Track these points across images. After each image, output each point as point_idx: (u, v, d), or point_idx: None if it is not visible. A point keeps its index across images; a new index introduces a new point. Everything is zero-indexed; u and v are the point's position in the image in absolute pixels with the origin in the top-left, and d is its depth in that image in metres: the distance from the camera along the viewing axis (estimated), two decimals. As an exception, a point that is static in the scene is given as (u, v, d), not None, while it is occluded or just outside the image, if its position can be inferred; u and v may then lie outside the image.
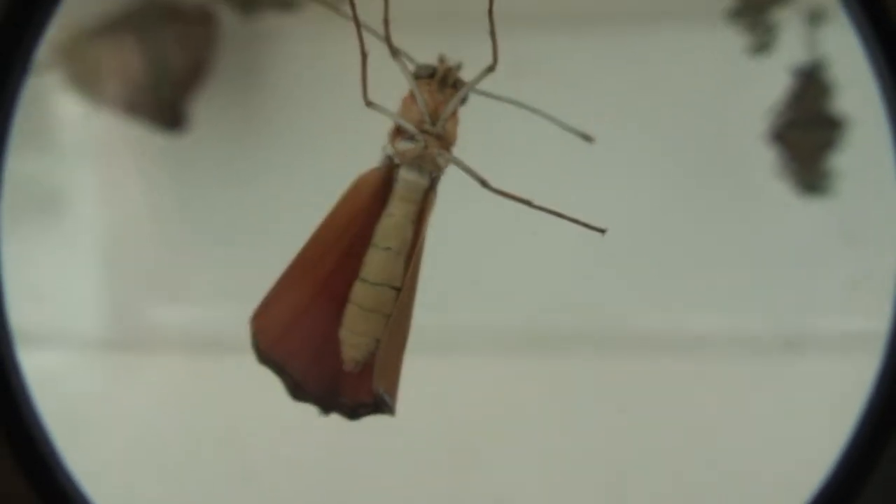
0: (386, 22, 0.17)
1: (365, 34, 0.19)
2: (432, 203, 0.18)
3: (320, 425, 0.30)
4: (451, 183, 0.21)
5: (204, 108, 0.42)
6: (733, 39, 0.39)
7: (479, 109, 0.20)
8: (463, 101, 0.19)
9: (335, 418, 0.28)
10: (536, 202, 0.18)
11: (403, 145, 0.18)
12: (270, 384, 0.23)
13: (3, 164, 0.22)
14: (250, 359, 0.20)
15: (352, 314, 0.18)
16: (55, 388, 0.37)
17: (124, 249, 0.42)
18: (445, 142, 0.18)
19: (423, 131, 0.18)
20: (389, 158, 0.18)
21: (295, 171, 0.42)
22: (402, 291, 0.18)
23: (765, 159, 0.40)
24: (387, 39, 0.17)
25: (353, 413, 0.18)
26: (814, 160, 0.41)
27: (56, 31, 0.41)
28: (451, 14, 0.41)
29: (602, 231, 0.19)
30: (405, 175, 0.18)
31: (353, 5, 0.18)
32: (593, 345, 0.39)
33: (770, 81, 0.40)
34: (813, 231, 0.41)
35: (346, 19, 0.19)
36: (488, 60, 0.19)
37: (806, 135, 0.40)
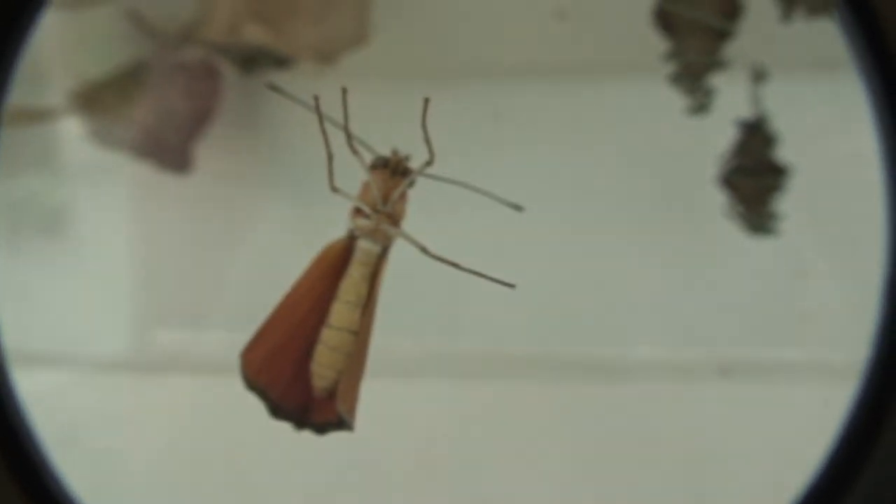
0: (346, 128, 0.23)
1: (331, 128, 0.24)
2: (383, 266, 0.24)
3: (317, 448, 0.35)
4: (419, 219, 0.26)
5: (207, 152, 0.46)
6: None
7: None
8: (410, 184, 0.24)
9: (326, 447, 0.33)
10: (463, 265, 0.23)
11: (361, 222, 0.24)
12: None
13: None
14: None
15: (320, 352, 0.24)
16: (60, 407, 0.41)
17: (130, 274, 0.46)
18: (394, 218, 0.24)
19: (376, 211, 0.23)
20: (350, 231, 0.24)
21: (288, 210, 0.46)
22: (359, 335, 0.24)
23: (718, 202, 0.43)
24: (348, 141, 0.23)
25: (321, 429, 0.24)
26: (759, 203, 0.43)
27: (70, 80, 0.46)
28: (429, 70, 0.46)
29: (512, 286, 0.23)
30: (362, 245, 0.24)
31: (319, 113, 0.23)
32: (550, 370, 0.42)
33: (722, 129, 0.43)
34: (764, 267, 0.45)
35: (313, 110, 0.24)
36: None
37: (750, 180, 0.43)
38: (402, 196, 0.24)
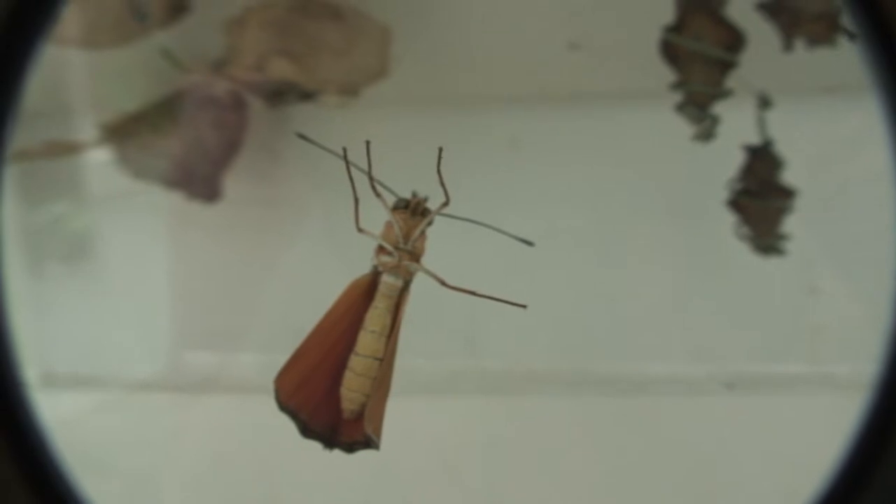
0: (370, 175, 0.25)
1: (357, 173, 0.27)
2: (406, 298, 0.26)
3: (345, 465, 0.37)
4: (441, 244, 0.28)
5: (235, 181, 0.47)
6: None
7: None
8: (429, 223, 0.27)
9: (355, 465, 0.35)
10: (479, 292, 0.26)
11: (384, 259, 0.26)
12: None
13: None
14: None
15: (348, 378, 0.26)
16: (92, 429, 0.43)
17: (157, 298, 0.47)
18: (415, 255, 0.26)
19: (398, 249, 0.26)
20: (375, 267, 0.27)
21: (314, 236, 0.48)
22: (384, 361, 0.26)
23: (728, 223, 0.45)
24: (371, 187, 0.25)
25: (350, 448, 0.27)
26: (766, 224, 0.45)
27: (104, 114, 0.48)
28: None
29: (524, 307, 0.26)
30: (386, 279, 0.26)
31: (347, 163, 0.26)
32: (566, 386, 0.44)
33: (731, 153, 0.45)
34: (774, 284, 0.46)
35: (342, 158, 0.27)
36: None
37: (757, 202, 0.45)
38: (422, 234, 0.26)
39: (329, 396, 0.27)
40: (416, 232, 0.26)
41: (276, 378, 0.26)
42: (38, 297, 0.47)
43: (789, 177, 0.45)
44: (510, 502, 0.43)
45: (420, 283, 0.28)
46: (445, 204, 0.26)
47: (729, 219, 0.45)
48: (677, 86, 0.42)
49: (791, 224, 0.45)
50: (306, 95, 0.47)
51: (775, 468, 0.42)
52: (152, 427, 0.46)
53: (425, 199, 0.26)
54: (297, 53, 0.46)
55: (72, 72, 0.48)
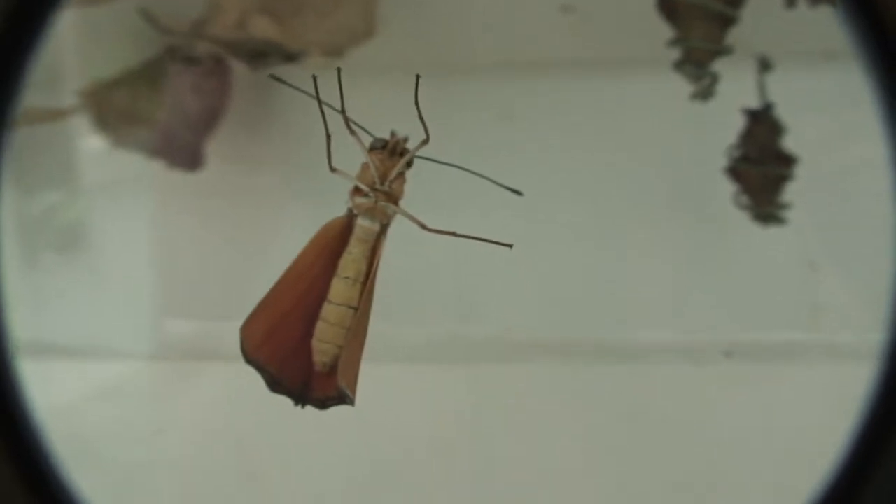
0: (342, 108, 0.24)
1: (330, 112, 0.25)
2: (382, 243, 0.25)
3: (328, 434, 0.36)
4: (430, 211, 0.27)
5: (217, 147, 0.46)
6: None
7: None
8: (409, 165, 0.25)
9: (342, 434, 0.34)
10: (459, 232, 0.24)
11: (360, 200, 0.25)
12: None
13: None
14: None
15: (321, 328, 0.25)
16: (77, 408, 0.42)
17: (145, 276, 0.47)
18: (393, 197, 0.25)
19: (375, 190, 0.24)
20: (350, 210, 0.25)
21: (298, 200, 0.47)
22: (359, 310, 0.24)
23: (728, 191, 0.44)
24: (346, 125, 0.24)
25: (323, 404, 0.25)
26: (766, 192, 0.44)
27: (82, 80, 0.47)
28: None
29: (510, 246, 0.24)
30: (361, 222, 0.25)
31: (317, 94, 0.24)
32: (564, 354, 0.44)
33: (733, 120, 0.44)
34: (779, 258, 0.46)
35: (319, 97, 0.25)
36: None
37: (756, 169, 0.44)
38: (400, 176, 0.25)
39: (299, 348, 0.25)
40: (394, 172, 0.24)
41: (243, 327, 0.24)
42: (32, 286, 0.46)
43: (791, 146, 0.44)
44: (500, 471, 0.42)
45: (399, 245, 0.27)
46: (425, 142, 0.24)
47: (729, 188, 0.44)
48: (675, 42, 0.40)
49: (791, 197, 0.44)
50: (289, 57, 0.45)
51: (773, 435, 0.41)
52: (146, 400, 0.46)
53: (405, 139, 0.25)
54: (279, 12, 0.44)
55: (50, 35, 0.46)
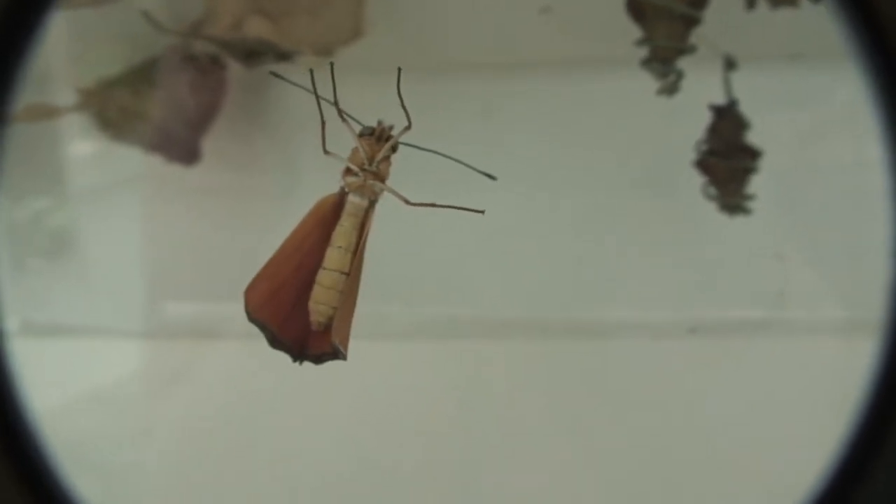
0: (335, 98, 0.27)
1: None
2: (370, 217, 0.28)
3: (319, 409, 0.38)
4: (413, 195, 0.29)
5: (214, 142, 0.49)
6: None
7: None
8: (394, 149, 0.28)
9: (331, 409, 0.36)
10: (439, 203, 0.27)
11: (350, 179, 0.28)
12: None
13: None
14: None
15: (317, 291, 0.28)
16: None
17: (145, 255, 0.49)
18: (380, 176, 0.28)
19: (364, 170, 0.28)
20: (342, 188, 0.28)
21: (292, 195, 0.49)
22: (350, 275, 0.28)
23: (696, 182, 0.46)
24: (338, 113, 0.27)
25: (318, 359, 0.28)
26: (732, 184, 0.46)
27: (82, 78, 0.49)
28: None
29: (482, 212, 0.28)
30: (352, 199, 0.28)
31: (313, 84, 0.27)
32: (536, 332, 0.46)
33: (700, 116, 0.47)
34: (744, 246, 0.48)
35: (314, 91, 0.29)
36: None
37: (723, 162, 0.46)
38: (386, 158, 0.28)
39: (297, 309, 0.28)
40: (380, 154, 0.28)
41: (246, 290, 0.28)
42: (21, 290, 0.48)
43: (757, 141, 0.47)
44: (477, 446, 0.45)
45: (389, 233, 0.30)
46: (408, 128, 0.27)
47: (698, 179, 0.47)
48: (642, 42, 0.43)
49: (757, 186, 0.47)
50: (282, 56, 0.47)
51: (730, 404, 0.44)
52: (139, 402, 0.48)
53: (390, 127, 0.28)
54: (273, 13, 0.47)
55: (49, 35, 0.49)
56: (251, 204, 0.50)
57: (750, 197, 0.47)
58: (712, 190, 0.47)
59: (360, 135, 0.28)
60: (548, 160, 0.48)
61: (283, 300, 0.28)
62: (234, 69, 0.49)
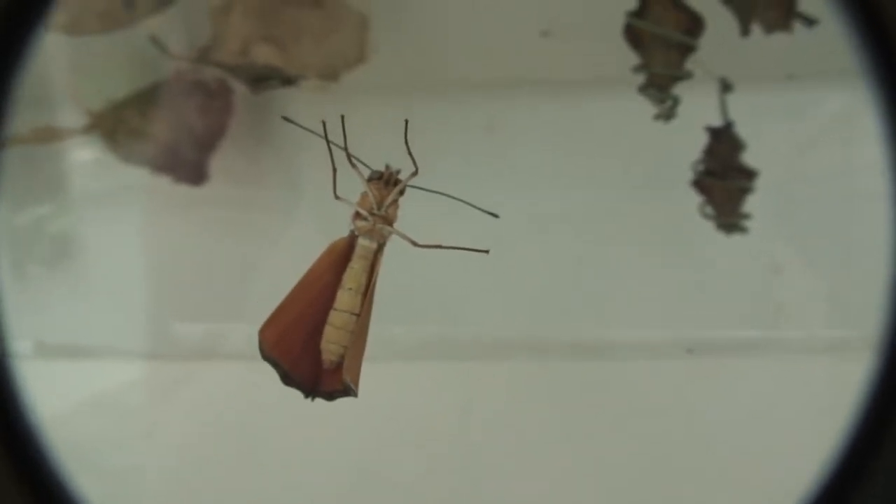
0: (346, 148, 0.28)
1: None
2: (380, 260, 0.29)
3: (321, 430, 0.39)
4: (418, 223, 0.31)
5: (220, 163, 0.50)
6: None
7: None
8: (401, 193, 0.30)
9: (335, 431, 0.37)
10: (445, 245, 0.28)
11: (360, 223, 0.29)
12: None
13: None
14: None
15: (328, 331, 0.29)
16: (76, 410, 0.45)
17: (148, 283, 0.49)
18: (388, 220, 0.29)
19: (373, 214, 0.29)
20: (352, 231, 0.30)
21: (295, 215, 0.50)
22: (361, 316, 0.29)
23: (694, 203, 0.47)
24: (349, 160, 0.28)
25: (330, 396, 0.30)
26: (729, 204, 0.47)
27: (91, 101, 0.50)
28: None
29: (486, 252, 0.29)
30: (362, 242, 0.29)
31: (326, 137, 0.28)
32: (537, 352, 0.47)
33: (696, 137, 0.48)
34: (743, 262, 0.49)
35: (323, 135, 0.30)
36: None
37: (719, 182, 0.47)
38: (394, 202, 0.29)
39: (308, 348, 0.29)
40: (389, 199, 0.29)
41: (261, 329, 0.29)
42: (22, 297, 0.47)
43: (752, 161, 0.48)
44: (479, 466, 0.46)
45: (395, 257, 0.31)
46: (415, 174, 0.29)
47: (695, 199, 0.48)
48: (639, 68, 0.44)
49: (754, 205, 0.48)
50: (288, 80, 0.49)
51: (736, 427, 0.45)
52: (142, 405, 0.48)
53: (398, 172, 0.29)
54: (279, 39, 0.48)
55: (60, 59, 0.50)
56: (255, 220, 0.51)
57: (746, 216, 0.48)
58: (709, 210, 0.48)
59: (369, 179, 0.29)
60: (546, 178, 0.49)
61: (296, 339, 0.29)
62: (241, 91, 0.50)
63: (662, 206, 0.49)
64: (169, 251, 0.50)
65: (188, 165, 0.50)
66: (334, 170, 0.28)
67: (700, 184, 0.48)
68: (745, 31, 0.45)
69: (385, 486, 0.46)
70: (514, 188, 0.50)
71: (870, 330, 0.28)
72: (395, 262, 0.31)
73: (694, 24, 0.44)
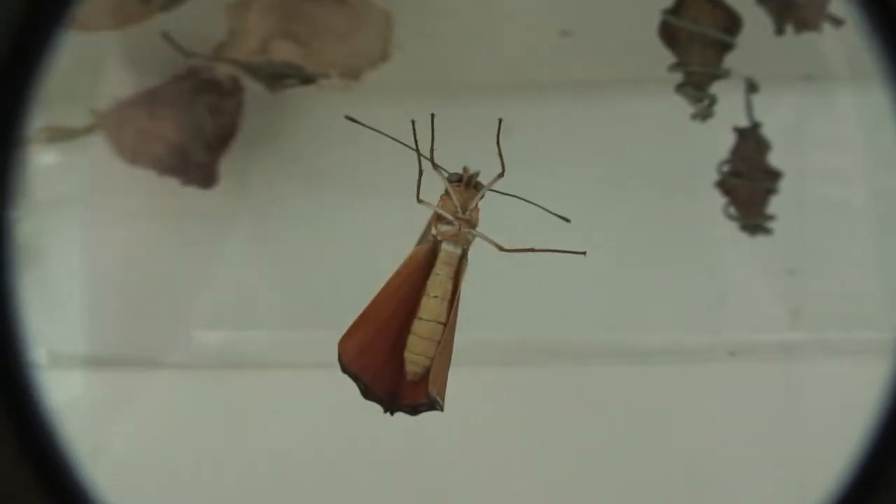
0: (431, 149, 0.27)
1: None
2: (465, 265, 0.28)
3: (351, 435, 0.38)
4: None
5: (231, 165, 0.48)
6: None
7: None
8: (482, 196, 0.28)
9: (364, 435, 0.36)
10: (538, 247, 0.27)
11: (444, 228, 0.28)
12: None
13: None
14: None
15: (413, 341, 0.28)
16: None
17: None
18: (472, 224, 0.28)
19: (458, 218, 0.28)
20: (434, 237, 0.28)
21: (307, 218, 0.50)
22: (447, 325, 0.28)
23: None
24: (431, 160, 0.27)
25: (414, 410, 0.28)
26: (753, 205, 0.47)
27: (97, 100, 0.48)
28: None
29: (583, 253, 0.29)
30: (446, 247, 0.28)
31: (414, 135, 0.27)
32: (569, 357, 0.47)
33: (716, 138, 0.47)
34: (761, 265, 0.49)
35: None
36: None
37: (745, 183, 0.47)
38: (476, 206, 0.28)
39: (389, 360, 0.28)
40: (474, 203, 0.28)
41: (340, 341, 0.28)
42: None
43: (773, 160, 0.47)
44: (516, 472, 0.45)
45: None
46: (501, 175, 0.27)
47: (718, 200, 0.47)
48: (676, 67, 0.44)
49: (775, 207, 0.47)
50: (308, 79, 0.48)
51: (767, 425, 0.44)
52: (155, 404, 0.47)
53: (477, 173, 0.28)
54: (300, 37, 0.47)
55: (65, 56, 0.48)
56: (265, 225, 0.50)
57: (770, 217, 0.47)
58: (732, 210, 0.47)
59: (449, 181, 0.28)
60: (571, 179, 0.48)
61: (376, 351, 0.28)
62: (254, 90, 0.49)
63: (689, 210, 0.49)
64: (159, 257, 0.49)
65: (198, 167, 0.49)
66: (420, 171, 0.27)
67: (725, 184, 0.47)
68: (779, 31, 0.44)
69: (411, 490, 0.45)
70: (535, 193, 0.49)
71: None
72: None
73: (732, 22, 0.43)
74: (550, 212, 0.29)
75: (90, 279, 0.48)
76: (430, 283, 0.28)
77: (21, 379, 0.25)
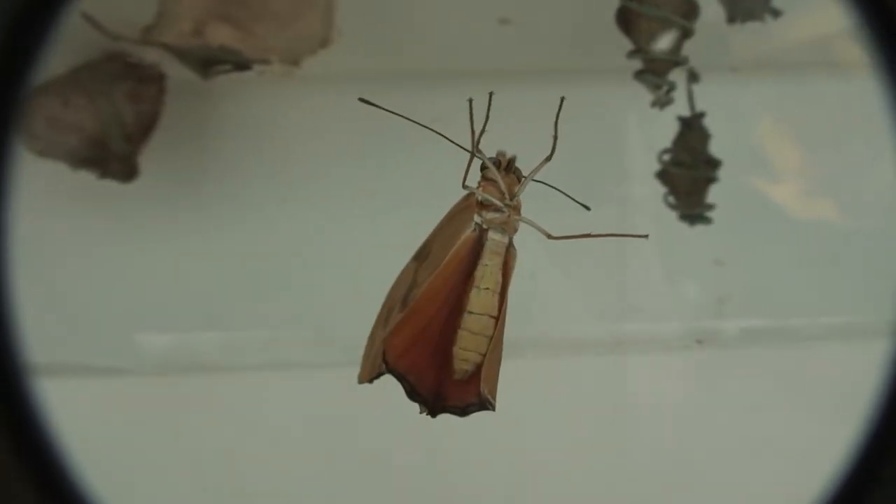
0: (480, 132, 0.25)
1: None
2: (513, 254, 0.26)
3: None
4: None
5: (153, 158, 0.45)
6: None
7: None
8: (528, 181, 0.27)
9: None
10: (594, 233, 0.26)
11: (491, 215, 0.26)
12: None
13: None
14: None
15: (463, 337, 0.26)
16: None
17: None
18: (518, 210, 0.26)
19: (506, 205, 0.26)
20: (478, 225, 0.26)
21: (235, 215, 0.48)
22: (499, 319, 0.26)
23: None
24: (475, 144, 0.25)
25: (464, 411, 0.26)
26: (692, 194, 0.47)
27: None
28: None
29: (645, 237, 0.28)
30: (493, 236, 0.26)
31: (471, 115, 0.25)
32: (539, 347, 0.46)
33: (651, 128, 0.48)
34: (689, 253, 0.49)
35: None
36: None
37: (687, 173, 0.46)
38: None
39: (434, 359, 0.26)
40: (520, 188, 0.26)
41: (387, 337, 0.25)
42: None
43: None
44: (496, 451, 0.44)
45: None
46: (548, 159, 0.26)
47: (658, 189, 0.47)
48: (634, 53, 0.43)
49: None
50: (243, 65, 0.45)
51: (733, 409, 0.45)
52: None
53: (514, 158, 0.26)
54: (240, 20, 0.44)
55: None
56: (190, 220, 0.48)
57: (710, 206, 0.47)
58: (672, 200, 0.47)
59: (486, 167, 0.26)
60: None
61: (422, 349, 0.26)
62: (178, 77, 0.46)
63: (626, 201, 0.49)
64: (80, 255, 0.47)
65: (118, 159, 0.46)
66: (472, 155, 0.25)
67: (665, 174, 0.47)
68: (731, 19, 0.44)
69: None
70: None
71: (886, 315, 0.29)
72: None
73: (689, 8, 0.43)
74: (572, 198, 0.28)
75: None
76: (478, 274, 0.26)
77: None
